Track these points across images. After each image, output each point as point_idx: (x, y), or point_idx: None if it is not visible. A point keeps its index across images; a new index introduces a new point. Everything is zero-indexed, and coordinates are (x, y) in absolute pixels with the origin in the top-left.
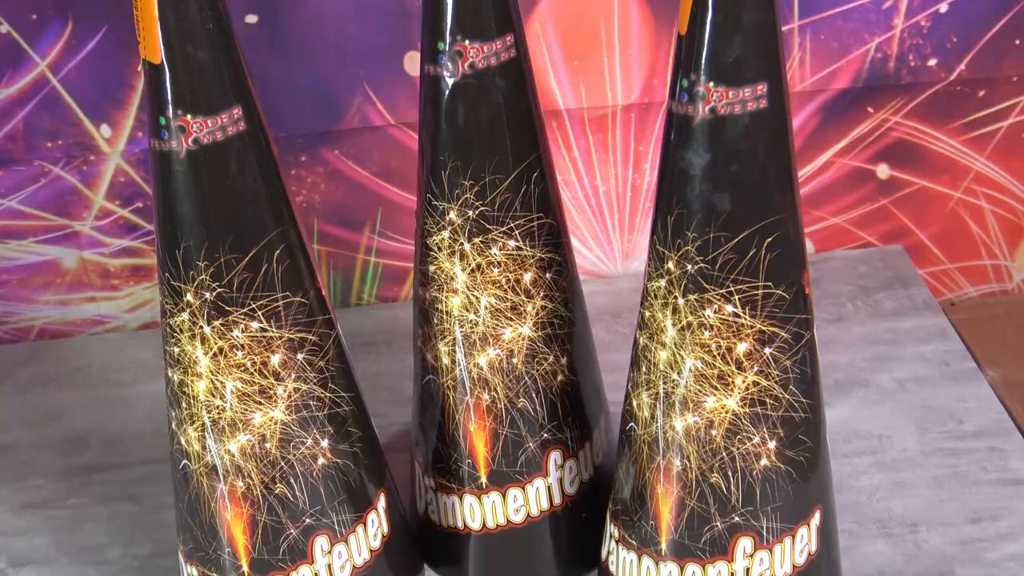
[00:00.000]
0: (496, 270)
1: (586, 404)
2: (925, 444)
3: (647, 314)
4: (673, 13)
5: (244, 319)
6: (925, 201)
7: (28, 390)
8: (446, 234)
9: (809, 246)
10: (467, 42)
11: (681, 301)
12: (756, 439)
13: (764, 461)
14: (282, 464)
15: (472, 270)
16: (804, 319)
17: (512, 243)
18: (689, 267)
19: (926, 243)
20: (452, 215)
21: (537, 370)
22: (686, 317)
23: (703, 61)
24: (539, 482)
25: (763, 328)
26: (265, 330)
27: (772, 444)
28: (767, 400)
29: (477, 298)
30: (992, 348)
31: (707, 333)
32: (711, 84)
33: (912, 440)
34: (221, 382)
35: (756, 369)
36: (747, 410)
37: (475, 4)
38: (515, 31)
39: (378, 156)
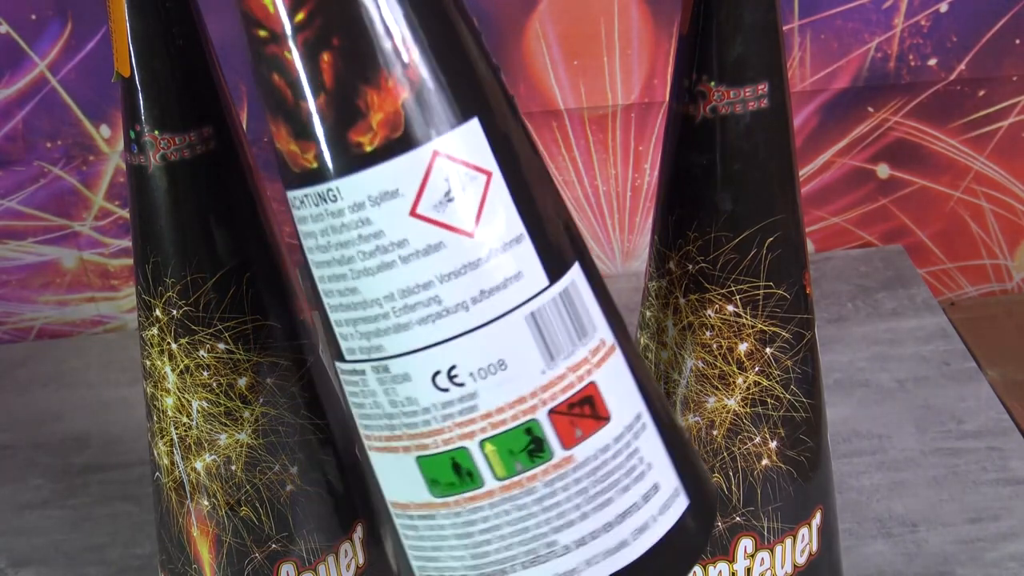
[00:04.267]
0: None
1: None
2: (925, 444)
3: (648, 314)
4: (673, 13)
5: (210, 340)
6: (925, 201)
7: (28, 390)
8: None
9: (809, 246)
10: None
11: (682, 301)
12: (757, 439)
13: (765, 461)
14: (247, 487)
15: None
16: (805, 319)
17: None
18: (690, 267)
19: (926, 243)
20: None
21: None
22: (687, 317)
23: (704, 60)
24: None
25: (764, 328)
26: (232, 352)
27: (773, 444)
28: (768, 400)
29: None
30: (992, 348)
31: (708, 333)
32: (712, 84)
33: (912, 440)
34: (188, 400)
35: (757, 369)
36: (748, 410)
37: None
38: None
39: None
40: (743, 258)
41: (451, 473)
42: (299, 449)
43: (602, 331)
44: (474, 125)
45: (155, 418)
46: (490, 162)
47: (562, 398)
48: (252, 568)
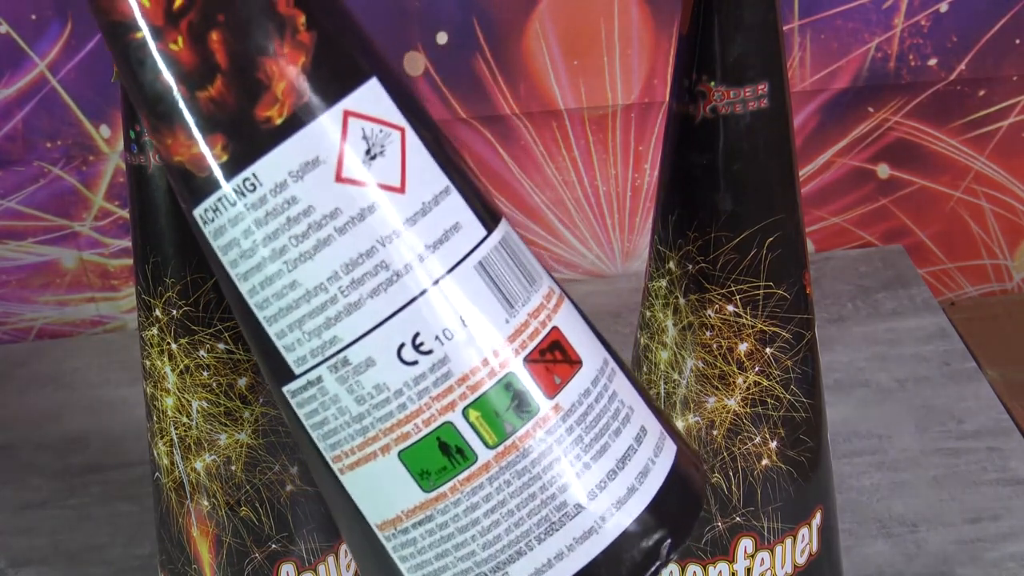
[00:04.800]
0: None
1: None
2: (925, 444)
3: (648, 314)
4: (673, 13)
5: (210, 340)
6: (925, 201)
7: (28, 390)
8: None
9: (809, 246)
10: None
11: (682, 301)
12: (757, 439)
13: (765, 461)
14: (247, 488)
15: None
16: (805, 319)
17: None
18: (690, 267)
19: (926, 243)
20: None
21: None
22: (687, 317)
23: (704, 60)
24: None
25: (764, 328)
26: (232, 352)
27: (773, 444)
28: (768, 400)
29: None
30: (992, 348)
31: (708, 333)
32: (712, 83)
33: (912, 440)
34: (188, 400)
35: (757, 369)
36: (748, 410)
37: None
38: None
39: None
40: (743, 258)
41: (440, 456)
42: (299, 449)
43: (547, 280)
44: (375, 84)
45: (155, 418)
46: (399, 119)
47: (532, 345)
48: (252, 568)
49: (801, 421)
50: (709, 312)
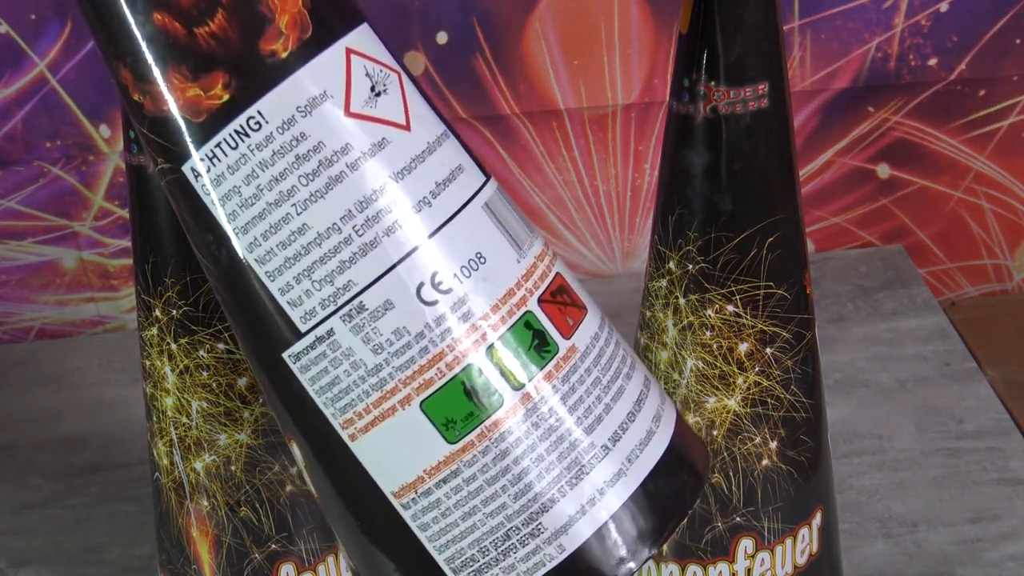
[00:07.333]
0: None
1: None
2: (925, 444)
3: (648, 314)
4: (673, 13)
5: (210, 340)
6: (925, 201)
7: (28, 390)
8: (155, 331)
9: (809, 246)
10: None
11: (682, 301)
12: (757, 439)
13: (765, 461)
14: (247, 488)
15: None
16: (805, 319)
17: (221, 346)
18: (690, 267)
19: (926, 243)
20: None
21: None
22: (687, 317)
23: (704, 60)
24: None
25: (764, 328)
26: (232, 352)
27: (773, 444)
28: (768, 400)
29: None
30: (992, 348)
31: (708, 333)
32: (712, 83)
33: (912, 440)
34: (187, 400)
35: (757, 369)
36: (748, 410)
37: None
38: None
39: None
40: (743, 258)
41: (466, 401)
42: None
43: (539, 231)
44: (367, 28)
45: (155, 418)
46: (394, 63)
47: (543, 286)
48: (252, 568)
49: (801, 421)
50: (709, 312)
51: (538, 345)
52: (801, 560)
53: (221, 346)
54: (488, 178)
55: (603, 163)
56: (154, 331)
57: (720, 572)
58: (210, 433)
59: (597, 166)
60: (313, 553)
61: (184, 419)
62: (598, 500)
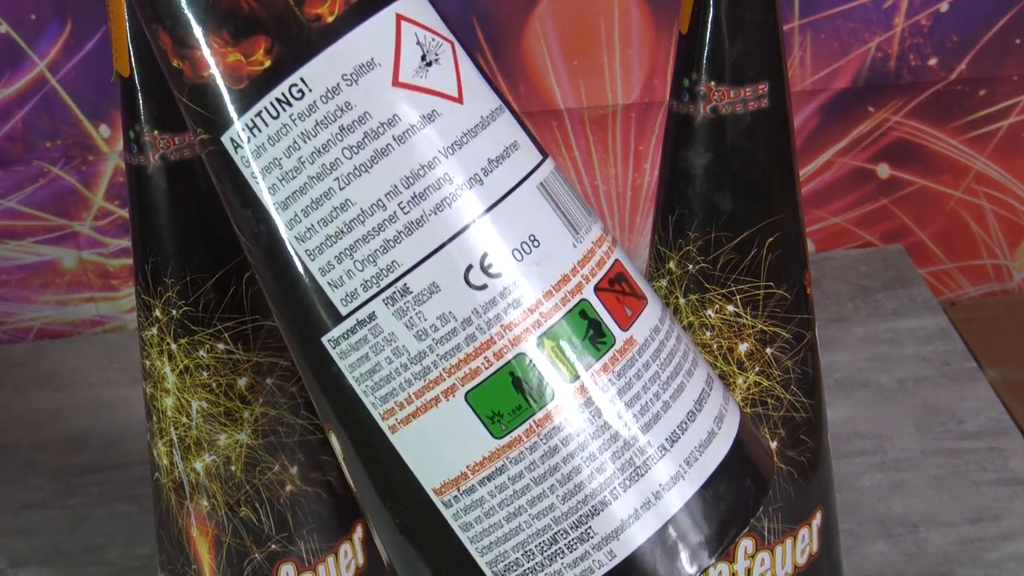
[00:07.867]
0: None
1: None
2: (925, 444)
3: None
4: (673, 13)
5: (210, 340)
6: (925, 201)
7: (28, 390)
8: (155, 331)
9: (809, 246)
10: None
11: (682, 301)
12: None
13: None
14: (247, 488)
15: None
16: (805, 319)
17: (221, 346)
18: (690, 267)
19: (926, 243)
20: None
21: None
22: (687, 317)
23: (704, 60)
24: None
25: (764, 328)
26: (232, 352)
27: (774, 444)
28: (768, 400)
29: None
30: (992, 348)
31: (708, 333)
32: (712, 83)
33: (912, 440)
34: (187, 400)
35: (757, 369)
36: (748, 410)
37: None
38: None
39: None
40: (743, 258)
41: (514, 394)
42: (299, 449)
43: (597, 215)
44: None
45: (155, 418)
46: (447, 31)
47: (600, 273)
48: (252, 568)
49: (801, 421)
50: (709, 312)
51: (593, 336)
52: (801, 560)
53: (221, 346)
54: (545, 157)
55: (603, 163)
56: (154, 331)
57: (720, 572)
58: (210, 433)
59: (597, 166)
60: (313, 553)
61: (184, 419)
62: (653, 504)
